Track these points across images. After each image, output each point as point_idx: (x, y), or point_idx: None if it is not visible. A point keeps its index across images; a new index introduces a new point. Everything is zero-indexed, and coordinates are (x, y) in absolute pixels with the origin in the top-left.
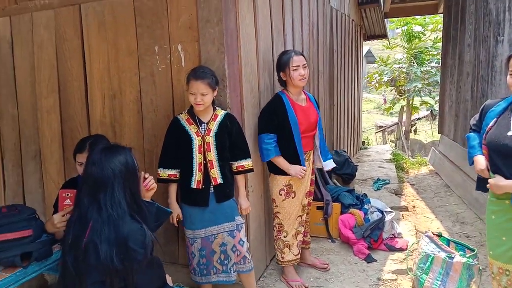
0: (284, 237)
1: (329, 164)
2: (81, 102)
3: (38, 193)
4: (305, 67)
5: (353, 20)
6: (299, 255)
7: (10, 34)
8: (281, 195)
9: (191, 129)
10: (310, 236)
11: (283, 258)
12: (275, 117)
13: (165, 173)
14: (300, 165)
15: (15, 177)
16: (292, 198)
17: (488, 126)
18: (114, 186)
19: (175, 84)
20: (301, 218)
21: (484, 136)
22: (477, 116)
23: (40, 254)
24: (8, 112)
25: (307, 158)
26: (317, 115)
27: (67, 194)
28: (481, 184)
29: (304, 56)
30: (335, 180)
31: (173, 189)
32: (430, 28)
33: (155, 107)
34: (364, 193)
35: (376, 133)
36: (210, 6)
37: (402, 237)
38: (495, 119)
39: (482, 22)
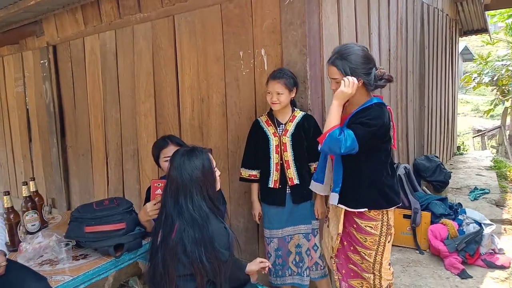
0: None
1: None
2: (173, 106)
3: (135, 189)
4: (337, 82)
5: (447, 14)
6: None
7: (115, 46)
8: None
9: (269, 130)
10: (393, 245)
11: None
12: None
13: (246, 173)
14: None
15: (117, 174)
16: (327, 226)
17: None
18: (192, 191)
19: (258, 87)
20: (333, 261)
21: None
22: None
23: (130, 246)
24: (112, 116)
25: None
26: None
27: (159, 184)
28: None
29: (337, 67)
30: (424, 188)
31: (255, 188)
32: None
33: (239, 110)
34: (459, 203)
35: (473, 137)
36: (293, 9)
37: (504, 253)
38: None
39: None
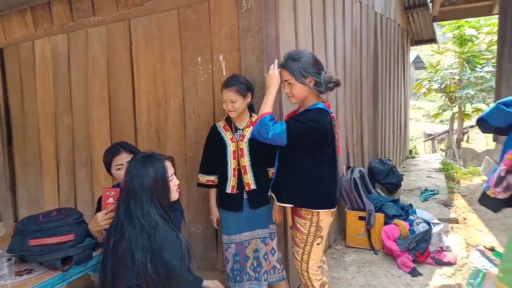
0: None
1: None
2: (129, 112)
3: (88, 197)
4: (289, 83)
5: (399, 24)
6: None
7: (67, 50)
8: None
9: (227, 136)
10: (348, 246)
11: None
12: None
13: (204, 178)
14: None
15: (68, 183)
16: None
17: None
18: (143, 198)
19: (217, 92)
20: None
21: None
22: None
23: (80, 258)
24: (63, 122)
25: None
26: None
27: (110, 193)
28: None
29: (287, 69)
30: (379, 190)
31: (213, 193)
32: (486, 30)
33: (197, 115)
34: (410, 204)
35: (424, 141)
36: (250, 16)
37: (450, 250)
38: None
39: None
